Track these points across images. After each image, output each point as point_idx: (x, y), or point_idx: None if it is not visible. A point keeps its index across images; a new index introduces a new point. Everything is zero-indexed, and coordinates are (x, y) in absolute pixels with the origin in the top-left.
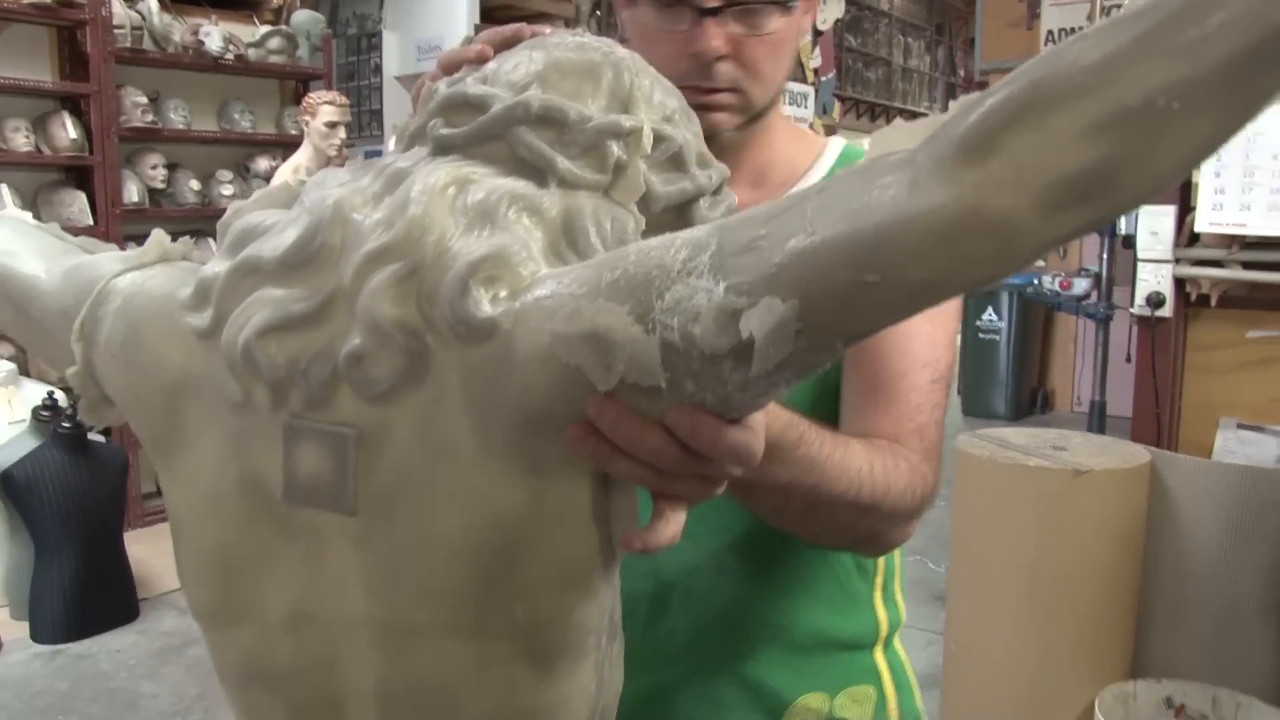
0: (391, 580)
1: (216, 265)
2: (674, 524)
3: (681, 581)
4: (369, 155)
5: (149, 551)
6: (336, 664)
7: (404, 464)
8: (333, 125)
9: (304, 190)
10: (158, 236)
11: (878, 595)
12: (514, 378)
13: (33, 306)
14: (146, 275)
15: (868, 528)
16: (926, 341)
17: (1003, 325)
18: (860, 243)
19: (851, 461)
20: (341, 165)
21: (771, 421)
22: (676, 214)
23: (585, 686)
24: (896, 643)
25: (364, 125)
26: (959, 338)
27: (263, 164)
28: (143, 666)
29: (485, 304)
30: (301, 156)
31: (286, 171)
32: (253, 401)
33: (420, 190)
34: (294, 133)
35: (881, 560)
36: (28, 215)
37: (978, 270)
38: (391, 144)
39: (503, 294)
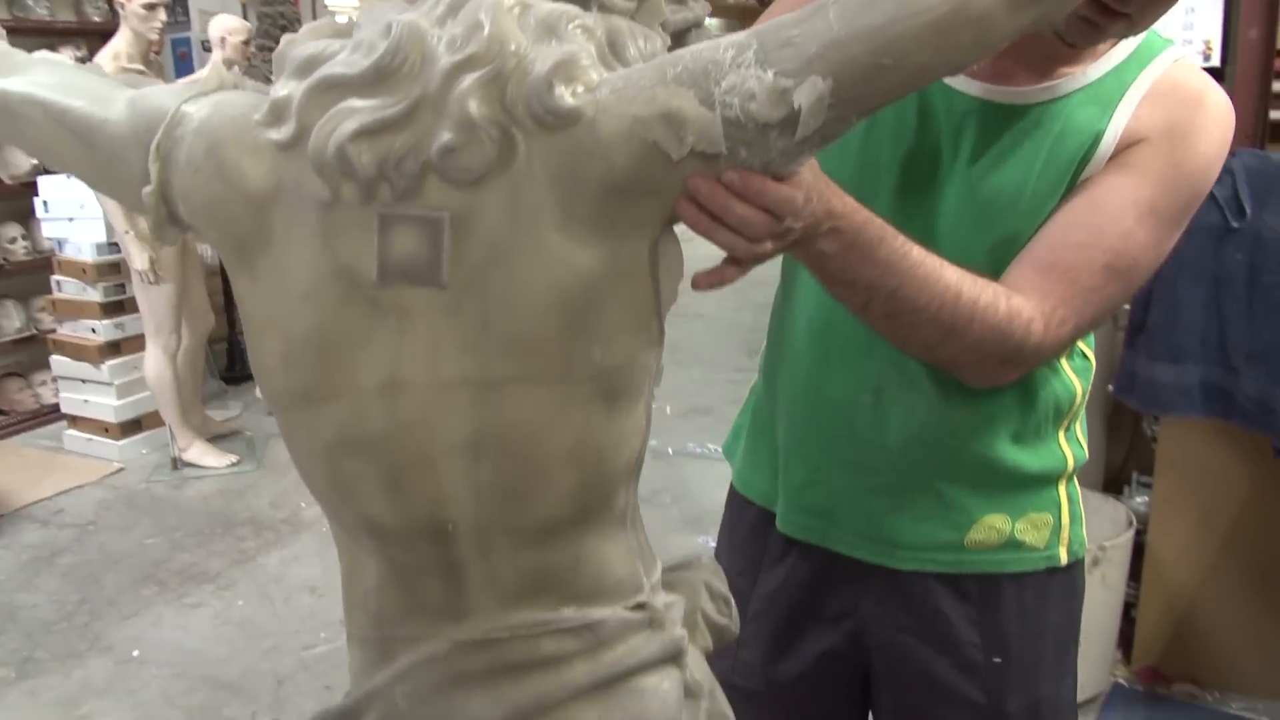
0: (484, 340)
1: (286, 87)
2: (736, 273)
3: (895, 396)
4: (176, 44)
5: (1, 469)
6: (429, 424)
7: (494, 238)
8: (151, 7)
9: (358, 22)
10: (217, 68)
11: (1063, 435)
12: (598, 155)
13: (97, 137)
14: (215, 100)
15: (951, 354)
16: (1123, 234)
17: None
18: (879, 34)
19: (938, 279)
20: (159, 53)
21: (851, 213)
22: (675, 39)
23: (639, 424)
24: (1075, 480)
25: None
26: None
27: (66, 55)
28: (14, 580)
29: (568, 97)
30: (120, 43)
31: (107, 60)
32: (341, 199)
33: (488, 10)
34: (97, 19)
35: (1071, 401)
36: (61, 56)
37: (962, 55)
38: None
39: (580, 90)
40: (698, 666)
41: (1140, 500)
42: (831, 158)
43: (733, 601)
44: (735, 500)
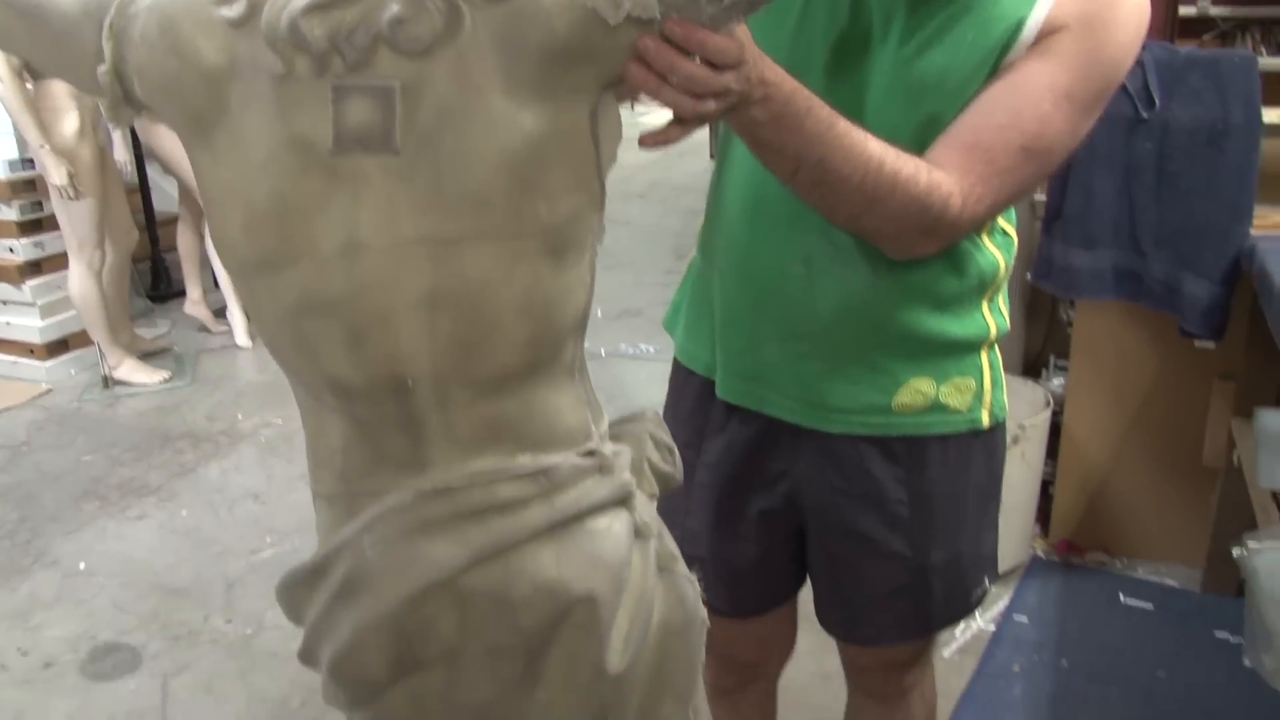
0: (438, 200)
1: None
2: (681, 133)
3: (825, 266)
4: None
5: None
6: (387, 283)
7: (443, 104)
8: None
9: None
10: None
11: (985, 304)
12: (540, 22)
13: (48, 15)
14: None
15: (873, 223)
16: (1040, 117)
17: None
18: None
19: (862, 150)
20: None
21: (781, 82)
22: None
23: (585, 279)
24: (997, 348)
25: None
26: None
27: None
28: None
29: None
30: None
31: None
32: (295, 73)
33: None
34: None
35: (994, 274)
36: None
37: None
38: None
39: None
40: (646, 510)
41: (1057, 382)
42: (766, 38)
43: (676, 450)
44: (679, 372)
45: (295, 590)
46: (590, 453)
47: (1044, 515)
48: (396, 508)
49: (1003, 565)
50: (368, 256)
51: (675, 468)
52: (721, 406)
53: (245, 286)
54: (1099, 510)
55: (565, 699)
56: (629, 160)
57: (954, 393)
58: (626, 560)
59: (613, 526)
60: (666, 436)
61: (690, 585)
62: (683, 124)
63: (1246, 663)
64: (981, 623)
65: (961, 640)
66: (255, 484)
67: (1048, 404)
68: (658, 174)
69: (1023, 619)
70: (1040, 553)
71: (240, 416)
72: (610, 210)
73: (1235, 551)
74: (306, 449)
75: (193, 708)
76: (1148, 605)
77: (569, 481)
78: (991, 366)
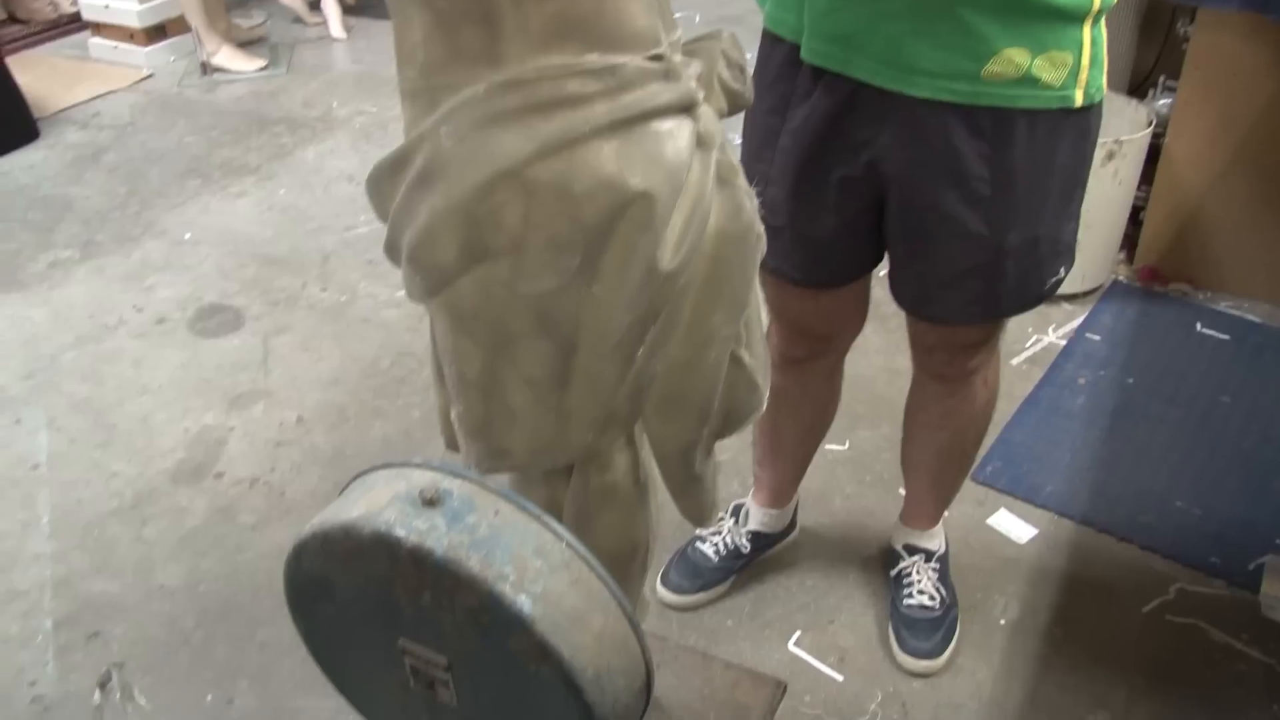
0: None
1: None
2: None
3: None
4: None
5: (32, 77)
6: None
7: None
8: None
9: None
10: None
11: None
12: None
13: None
14: None
15: None
16: None
17: None
18: None
19: None
20: None
21: None
22: None
23: None
24: (1102, 23)
25: None
26: None
27: None
28: (63, 176)
29: None
30: None
31: None
32: None
33: None
34: None
35: None
36: None
37: None
38: None
39: None
40: (710, 121)
41: (1163, 103)
42: None
43: (748, 70)
44: (766, 40)
45: (381, 181)
46: (658, 57)
47: (1130, 241)
48: (471, 99)
49: (1082, 285)
50: None
51: (745, 87)
52: (807, 72)
53: None
54: (1188, 240)
55: (620, 294)
56: None
57: (1048, 66)
58: (685, 164)
59: (675, 130)
60: (740, 56)
61: (749, 199)
62: None
63: None
64: (1053, 337)
65: (1031, 350)
66: (350, 167)
67: (1150, 123)
68: None
69: (1095, 337)
70: (1122, 277)
71: (335, 104)
72: None
73: None
74: (395, 48)
75: (291, 363)
76: (1224, 336)
77: (634, 82)
78: (1093, 43)
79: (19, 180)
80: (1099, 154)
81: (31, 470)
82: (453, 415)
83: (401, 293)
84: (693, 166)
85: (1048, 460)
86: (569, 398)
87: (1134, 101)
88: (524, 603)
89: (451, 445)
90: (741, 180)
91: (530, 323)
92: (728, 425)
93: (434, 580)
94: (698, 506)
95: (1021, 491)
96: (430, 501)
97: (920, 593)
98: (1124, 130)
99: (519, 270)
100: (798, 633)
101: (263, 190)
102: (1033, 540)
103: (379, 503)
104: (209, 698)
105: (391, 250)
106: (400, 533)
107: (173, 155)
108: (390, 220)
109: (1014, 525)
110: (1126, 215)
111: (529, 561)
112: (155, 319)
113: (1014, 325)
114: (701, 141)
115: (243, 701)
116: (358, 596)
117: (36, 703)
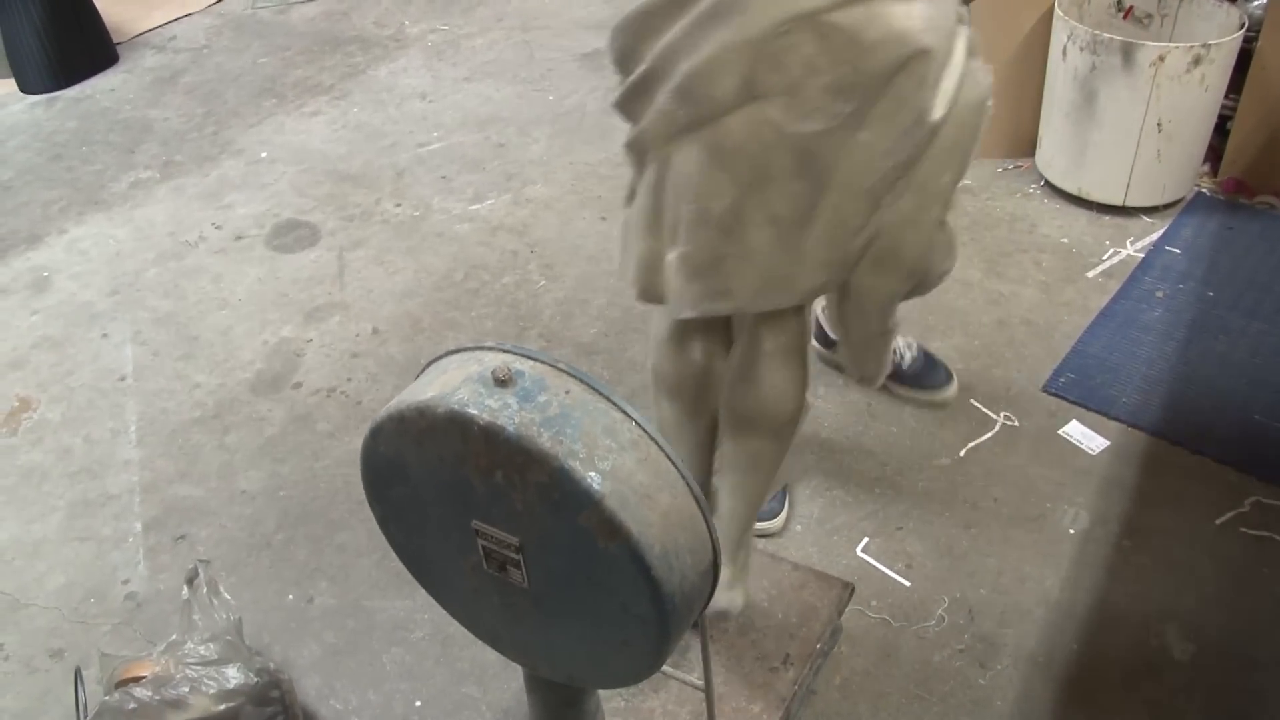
0: None
1: None
2: None
3: None
4: None
5: (109, 2)
6: None
7: None
8: None
9: None
10: None
11: None
12: None
13: None
14: None
15: None
16: None
17: None
18: None
19: None
20: None
21: None
22: None
23: None
24: None
25: None
26: None
27: None
28: (142, 98)
29: None
30: None
31: None
32: None
33: None
34: None
35: None
36: None
37: None
38: None
39: None
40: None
41: (1257, 2)
42: None
43: None
44: None
45: (651, 17)
46: None
47: (1215, 152)
48: None
49: (1163, 197)
50: None
51: None
52: None
53: None
54: (1277, 152)
55: (884, 141)
56: None
57: None
58: (954, 32)
59: (948, 1)
60: None
61: (985, 75)
62: None
63: None
64: (1131, 250)
65: (1108, 263)
66: (422, 84)
67: (1241, 26)
68: None
69: (1175, 250)
70: (1205, 189)
71: (407, 23)
72: None
73: None
74: None
75: (366, 276)
76: None
77: None
78: None
79: (100, 103)
80: (1185, 57)
81: (119, 382)
82: (672, 257)
83: (475, 206)
84: (959, 34)
85: (1122, 372)
86: (809, 239)
87: (1225, 4)
88: (594, 479)
89: (648, 295)
90: (980, 60)
91: (790, 163)
92: (921, 285)
93: (506, 457)
94: (878, 363)
95: (1095, 403)
96: (502, 382)
97: None
98: (1212, 34)
99: (792, 111)
100: (865, 539)
101: (336, 109)
102: (1104, 451)
103: (452, 383)
104: (290, 596)
105: (641, 89)
106: (473, 411)
107: (248, 76)
108: (658, 52)
109: (1086, 436)
110: (1212, 125)
111: (599, 439)
112: (233, 235)
113: (1089, 238)
114: (961, 19)
115: (322, 601)
116: (432, 477)
117: (130, 599)
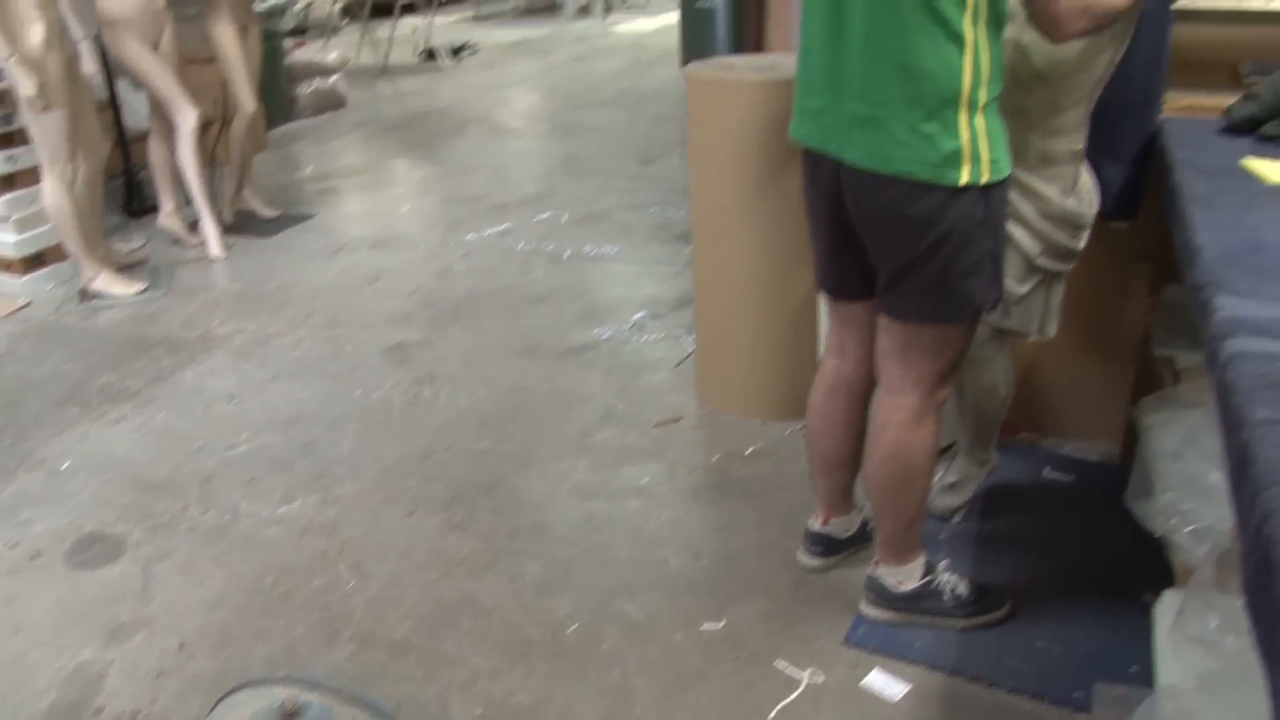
0: None
1: None
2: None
3: None
4: None
5: None
6: None
7: None
8: None
9: None
10: None
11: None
12: None
13: None
14: None
15: None
16: None
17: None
18: None
19: None
20: None
21: None
22: None
23: None
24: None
25: None
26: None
27: None
28: None
29: None
30: None
31: None
32: None
33: None
34: None
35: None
36: None
37: None
38: None
39: None
40: None
41: None
42: None
43: None
44: None
45: None
46: None
47: None
48: None
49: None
50: None
51: None
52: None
53: None
54: (1028, 391)
55: None
56: (600, 68)
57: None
58: None
59: None
60: None
61: None
62: None
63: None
64: None
65: None
66: (230, 386)
67: None
68: (627, 83)
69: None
70: None
71: (215, 323)
72: (579, 117)
73: (1133, 413)
74: None
75: (173, 587)
76: (1069, 477)
77: None
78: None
79: None
80: None
81: None
82: None
83: (284, 508)
84: None
85: None
86: None
87: None
88: None
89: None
90: None
91: None
92: None
93: None
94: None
95: (893, 649)
96: (290, 715)
97: None
98: None
99: None
100: None
101: (142, 414)
102: (905, 697)
103: None
104: None
105: None
106: None
107: (50, 383)
108: None
109: (887, 684)
110: None
111: None
112: (30, 554)
113: None
114: None
115: None
116: None
117: None
